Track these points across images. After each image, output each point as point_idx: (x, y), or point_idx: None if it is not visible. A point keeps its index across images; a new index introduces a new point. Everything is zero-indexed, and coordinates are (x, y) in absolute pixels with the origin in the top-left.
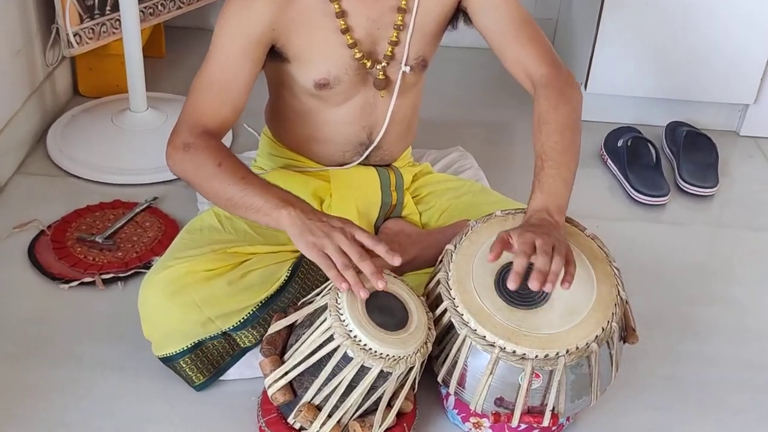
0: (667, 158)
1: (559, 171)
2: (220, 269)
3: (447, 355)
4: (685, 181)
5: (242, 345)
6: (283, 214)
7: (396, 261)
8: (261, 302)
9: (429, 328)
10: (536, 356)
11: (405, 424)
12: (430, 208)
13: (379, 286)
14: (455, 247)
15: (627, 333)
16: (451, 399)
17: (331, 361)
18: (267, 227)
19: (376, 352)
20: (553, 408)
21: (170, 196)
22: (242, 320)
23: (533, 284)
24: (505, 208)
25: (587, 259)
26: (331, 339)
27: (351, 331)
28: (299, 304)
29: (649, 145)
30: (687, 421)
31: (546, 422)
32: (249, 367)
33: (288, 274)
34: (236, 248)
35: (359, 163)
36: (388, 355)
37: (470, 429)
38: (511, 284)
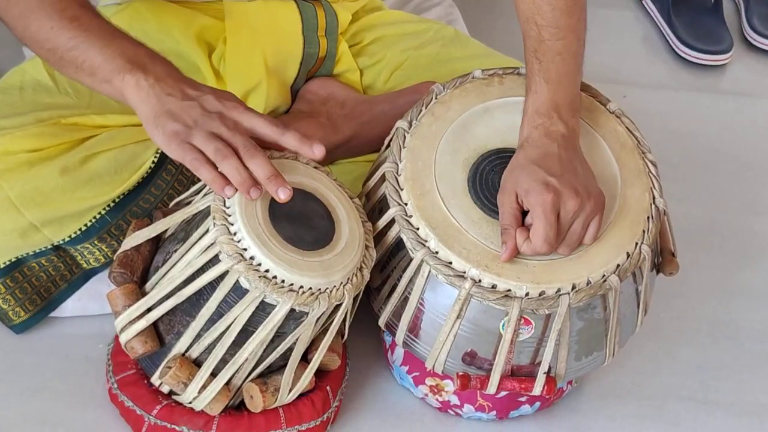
0: None
1: (567, 42)
2: (50, 150)
3: (393, 289)
4: (756, 31)
5: (85, 266)
6: (129, 82)
7: (317, 152)
8: (113, 201)
9: (366, 247)
10: (527, 294)
11: (329, 388)
12: (376, 63)
13: (281, 196)
14: (410, 124)
15: (663, 259)
16: (399, 351)
17: (215, 294)
18: None
19: (283, 281)
20: (549, 369)
21: None
22: (84, 229)
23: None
24: (490, 68)
25: (609, 149)
26: (215, 261)
27: (246, 249)
28: (171, 205)
29: None
30: (744, 384)
31: (538, 390)
32: (95, 298)
33: (155, 159)
34: (76, 118)
35: None
36: (301, 286)
37: (426, 395)
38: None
